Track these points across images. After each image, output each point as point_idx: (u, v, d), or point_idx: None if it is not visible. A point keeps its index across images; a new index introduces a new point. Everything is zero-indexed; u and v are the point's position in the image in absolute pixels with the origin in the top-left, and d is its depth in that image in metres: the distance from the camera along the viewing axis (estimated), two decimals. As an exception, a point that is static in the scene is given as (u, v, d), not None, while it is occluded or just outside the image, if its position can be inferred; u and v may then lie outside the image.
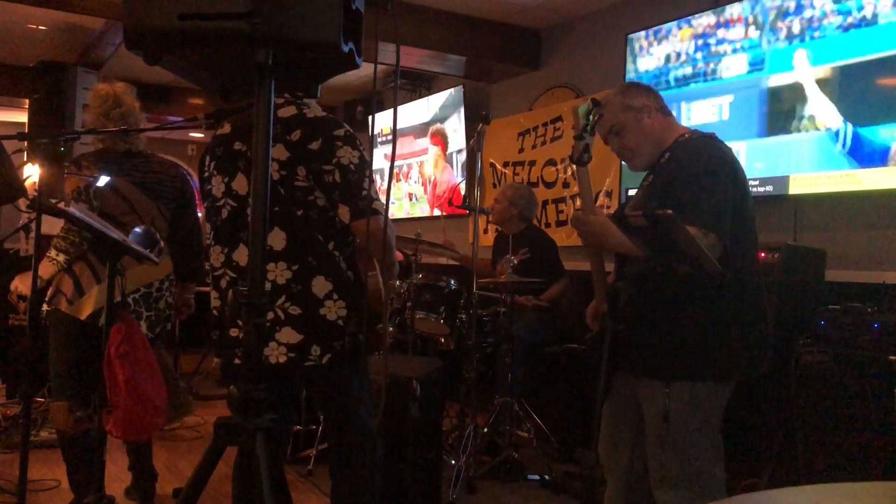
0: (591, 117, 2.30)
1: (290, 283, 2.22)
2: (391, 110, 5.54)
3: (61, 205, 2.85)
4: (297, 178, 2.21)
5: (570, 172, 5.45)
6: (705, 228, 2.11)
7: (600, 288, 2.49)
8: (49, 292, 3.03)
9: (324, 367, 2.23)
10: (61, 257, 3.00)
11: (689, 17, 4.37)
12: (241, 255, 2.27)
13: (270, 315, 2.19)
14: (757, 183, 3.97)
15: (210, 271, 2.37)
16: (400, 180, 7.32)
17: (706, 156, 2.28)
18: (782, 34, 3.88)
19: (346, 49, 1.38)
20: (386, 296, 2.31)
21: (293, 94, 2.30)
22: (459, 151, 6.46)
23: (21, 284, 3.18)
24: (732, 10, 4.13)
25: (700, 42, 4.31)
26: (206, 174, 2.39)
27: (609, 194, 5.07)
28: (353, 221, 2.24)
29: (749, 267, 2.29)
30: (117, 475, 3.35)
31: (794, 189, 3.80)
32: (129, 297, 3.04)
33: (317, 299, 2.24)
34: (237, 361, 2.22)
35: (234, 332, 2.24)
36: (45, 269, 3.03)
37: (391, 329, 4.13)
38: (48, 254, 3.06)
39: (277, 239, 2.21)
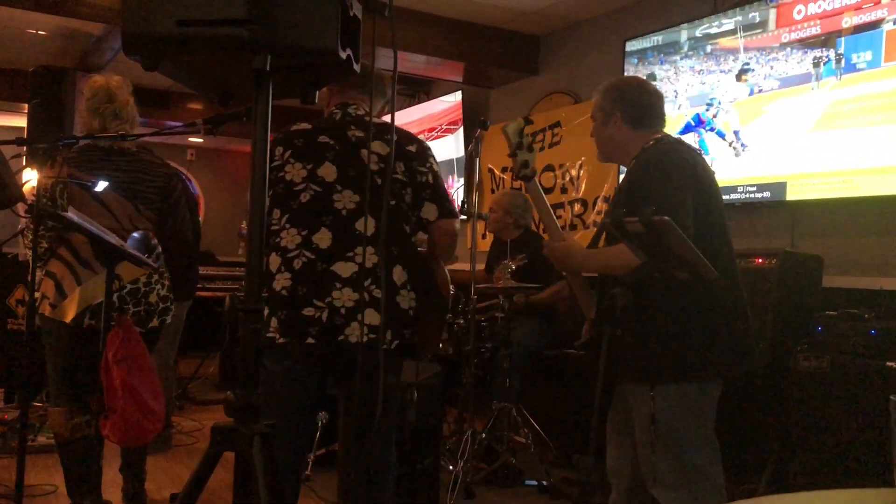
0: (522, 134, 2.50)
1: (376, 267, 2.34)
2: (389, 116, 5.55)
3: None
4: (395, 171, 2.41)
5: (567, 178, 5.46)
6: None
7: (585, 303, 2.55)
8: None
9: (392, 352, 2.36)
10: (29, 252, 2.96)
11: (689, 22, 4.39)
12: (322, 239, 2.34)
13: (356, 296, 2.30)
14: (754, 189, 3.98)
15: (280, 253, 2.38)
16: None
17: (662, 159, 2.39)
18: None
19: (343, 55, 1.39)
20: (449, 295, 2.55)
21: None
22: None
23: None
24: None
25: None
26: (278, 162, 2.42)
27: (607, 199, 5.07)
28: (438, 220, 2.47)
29: (723, 266, 2.30)
30: (115, 480, 3.34)
31: (792, 195, 3.80)
32: (115, 294, 2.99)
33: (395, 286, 2.38)
34: (310, 341, 2.28)
35: (307, 312, 2.29)
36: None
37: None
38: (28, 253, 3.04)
39: (369, 225, 2.35)
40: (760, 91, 4.02)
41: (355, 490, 2.47)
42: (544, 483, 3.93)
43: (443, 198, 2.50)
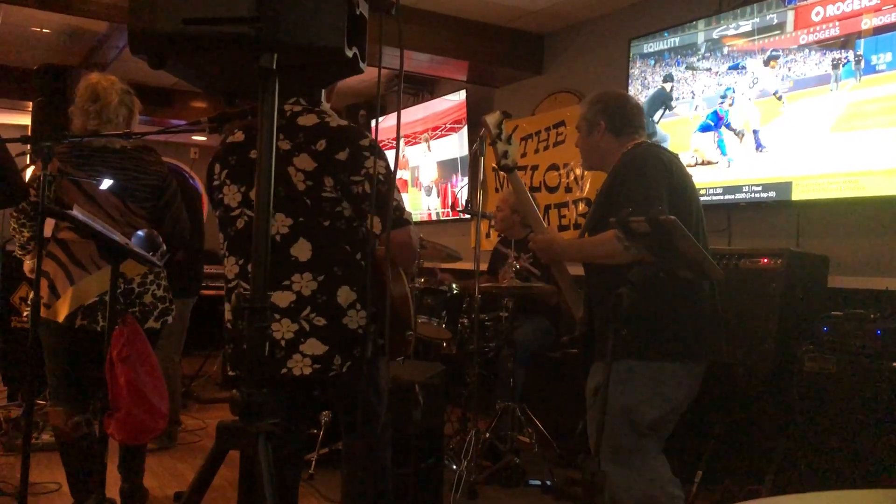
0: (501, 126, 2.62)
1: (316, 294, 2.21)
2: (394, 114, 5.54)
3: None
4: (324, 188, 2.21)
5: (572, 177, 5.45)
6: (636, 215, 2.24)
7: (572, 300, 2.71)
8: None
9: (344, 374, 2.24)
10: (18, 249, 2.98)
11: (692, 21, 4.38)
12: None
13: (296, 327, 2.19)
14: (759, 189, 3.97)
15: (225, 282, 2.33)
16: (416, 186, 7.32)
17: (636, 160, 2.52)
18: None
19: (350, 54, 1.39)
20: (413, 303, 2.38)
21: (312, 100, 2.29)
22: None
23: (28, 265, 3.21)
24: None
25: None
26: (217, 182, 2.34)
27: (611, 199, 5.07)
28: (384, 233, 2.24)
29: None
30: (119, 478, 3.34)
31: (797, 195, 3.79)
32: (105, 295, 2.98)
33: (341, 309, 2.24)
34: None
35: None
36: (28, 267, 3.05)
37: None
38: (18, 251, 3.06)
39: (303, 250, 2.21)
40: (777, 93, 4.01)
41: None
42: (548, 483, 3.92)
43: (390, 206, 2.21)
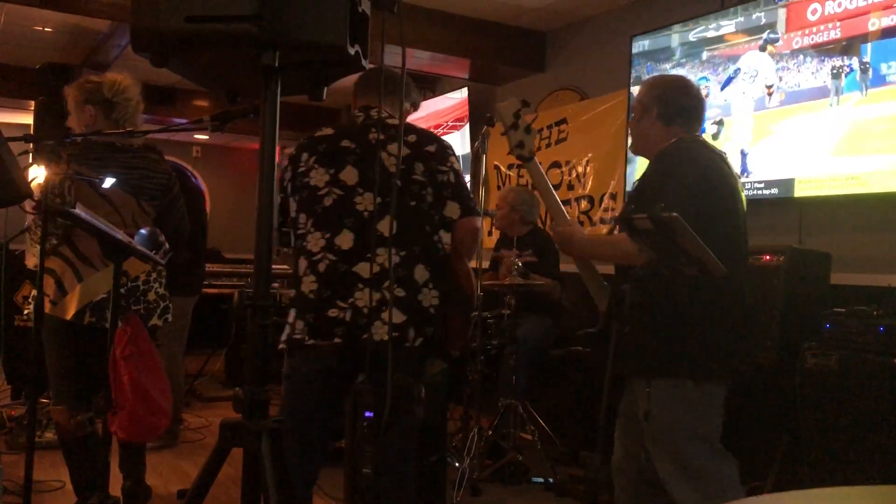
0: (519, 115, 2.55)
1: (398, 268, 2.40)
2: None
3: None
4: (414, 173, 2.47)
5: (574, 175, 5.45)
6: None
7: (595, 293, 2.61)
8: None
9: (415, 349, 2.40)
10: (34, 249, 2.96)
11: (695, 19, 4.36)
12: (344, 240, 2.40)
13: (378, 296, 2.36)
14: (762, 185, 3.96)
15: (307, 256, 2.45)
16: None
17: (674, 159, 2.42)
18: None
19: (352, 51, 1.39)
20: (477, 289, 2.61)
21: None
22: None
23: (28, 260, 3.20)
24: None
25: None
26: (304, 168, 2.51)
27: (614, 196, 5.06)
28: (462, 218, 2.53)
29: (728, 269, 2.26)
30: (122, 476, 3.34)
31: (800, 192, 3.78)
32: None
33: (417, 285, 2.43)
34: (337, 341, 2.34)
35: (332, 313, 2.34)
36: (31, 261, 3.04)
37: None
38: (31, 248, 3.05)
39: (388, 226, 2.37)
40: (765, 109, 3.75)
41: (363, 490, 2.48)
42: (551, 480, 3.93)
43: (465, 196, 2.57)
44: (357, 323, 2.34)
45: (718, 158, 2.49)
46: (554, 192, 2.58)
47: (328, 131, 2.57)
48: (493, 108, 2.57)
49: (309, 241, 2.45)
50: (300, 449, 2.48)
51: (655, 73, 4.35)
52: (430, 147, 2.53)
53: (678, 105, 2.53)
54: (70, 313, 2.92)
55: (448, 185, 2.53)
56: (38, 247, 2.94)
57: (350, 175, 2.46)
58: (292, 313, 2.46)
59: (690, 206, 2.25)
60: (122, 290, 2.99)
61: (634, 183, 2.67)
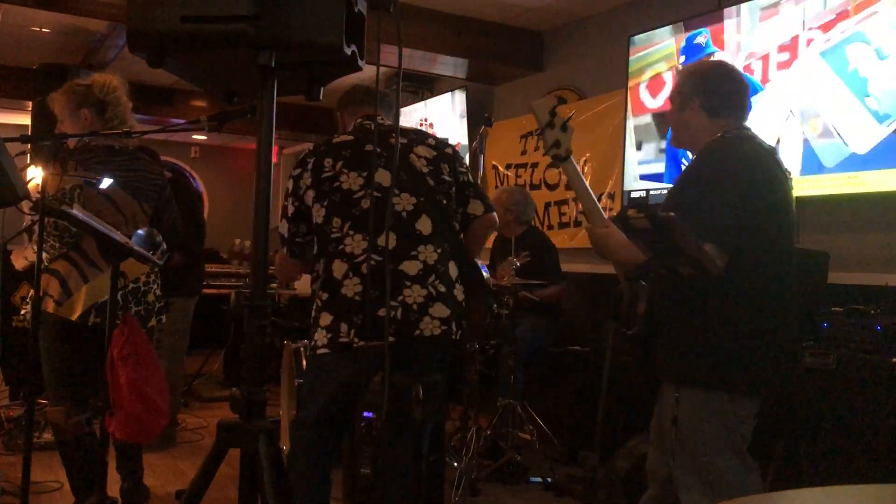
0: (555, 112, 2.36)
1: (437, 264, 2.50)
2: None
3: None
4: (442, 172, 2.61)
5: (572, 174, 5.44)
6: (699, 239, 2.05)
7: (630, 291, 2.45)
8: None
9: (457, 342, 2.52)
10: (44, 256, 2.95)
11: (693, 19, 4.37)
12: (390, 241, 2.46)
13: (425, 292, 2.45)
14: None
15: (346, 259, 2.48)
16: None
17: (712, 163, 2.25)
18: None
19: (348, 51, 1.39)
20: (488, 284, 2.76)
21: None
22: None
23: (16, 260, 3.19)
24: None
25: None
26: (331, 173, 2.54)
27: (612, 196, 5.06)
28: (485, 214, 2.69)
29: (768, 279, 2.20)
30: (116, 478, 3.34)
31: (797, 191, 3.77)
32: (118, 293, 3.00)
33: (452, 281, 2.54)
34: (392, 339, 2.36)
35: (382, 313, 2.36)
36: (19, 261, 3.04)
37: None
38: (27, 251, 3.04)
39: (426, 224, 2.52)
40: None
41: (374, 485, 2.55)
42: (549, 480, 3.93)
43: (484, 194, 2.75)
44: (408, 319, 2.42)
45: (766, 154, 2.29)
46: (591, 192, 2.39)
47: (347, 137, 2.64)
48: (529, 106, 2.43)
49: (347, 243, 2.49)
50: (327, 448, 2.55)
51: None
52: (448, 149, 2.69)
53: (722, 92, 2.35)
54: (76, 313, 2.93)
55: (469, 184, 2.69)
56: (45, 254, 2.94)
57: (384, 177, 2.53)
58: (327, 317, 2.47)
59: (726, 220, 2.13)
60: (126, 292, 3.03)
61: (676, 178, 2.50)
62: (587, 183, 2.41)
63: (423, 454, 2.55)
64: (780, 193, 2.26)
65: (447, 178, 2.62)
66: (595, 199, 2.40)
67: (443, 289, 2.49)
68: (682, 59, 4.20)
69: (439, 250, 2.52)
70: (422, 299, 2.44)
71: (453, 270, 2.57)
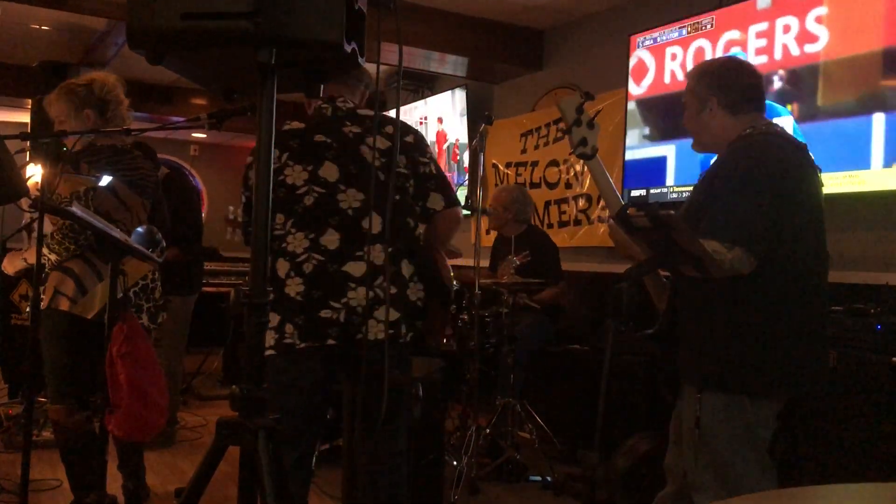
0: (581, 110, 2.28)
1: (386, 264, 2.34)
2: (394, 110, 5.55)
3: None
4: (397, 165, 2.41)
5: (572, 173, 5.45)
6: (728, 242, 2.03)
7: (655, 293, 2.41)
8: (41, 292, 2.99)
9: (407, 344, 2.39)
10: (53, 256, 2.96)
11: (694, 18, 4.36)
12: (330, 240, 2.35)
13: (371, 294, 2.31)
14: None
15: (288, 258, 2.38)
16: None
17: (744, 163, 2.18)
18: None
19: (348, 49, 1.38)
20: (451, 279, 2.62)
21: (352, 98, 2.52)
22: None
23: (9, 264, 3.19)
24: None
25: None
26: (277, 165, 2.37)
27: (611, 195, 5.06)
28: (445, 209, 2.49)
29: (795, 282, 2.17)
30: (119, 475, 3.34)
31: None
32: (131, 291, 3.02)
33: (405, 280, 2.41)
34: (331, 342, 2.31)
35: (325, 314, 2.31)
36: (15, 264, 3.05)
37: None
38: (29, 252, 3.03)
39: (375, 222, 2.33)
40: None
41: (363, 484, 2.49)
42: (549, 479, 3.93)
43: (447, 187, 2.52)
44: (351, 322, 2.31)
45: (798, 152, 2.24)
46: (616, 191, 2.33)
47: (297, 125, 2.46)
48: (557, 105, 2.36)
49: (289, 241, 2.38)
50: (291, 453, 2.42)
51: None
52: (408, 138, 2.48)
53: (740, 87, 2.28)
54: (93, 312, 2.92)
55: (431, 176, 2.48)
56: (54, 255, 2.95)
57: (330, 171, 2.39)
58: (274, 317, 2.37)
59: (758, 224, 2.09)
60: (136, 289, 3.06)
61: (701, 174, 2.44)
62: (612, 181, 2.35)
63: (402, 451, 2.49)
64: (813, 193, 2.23)
65: (403, 170, 2.44)
66: (620, 197, 2.33)
67: (393, 290, 2.36)
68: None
69: (390, 249, 2.37)
70: (367, 302, 2.32)
71: (407, 269, 2.43)
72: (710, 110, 2.30)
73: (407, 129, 2.55)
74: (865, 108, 3.49)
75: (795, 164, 2.19)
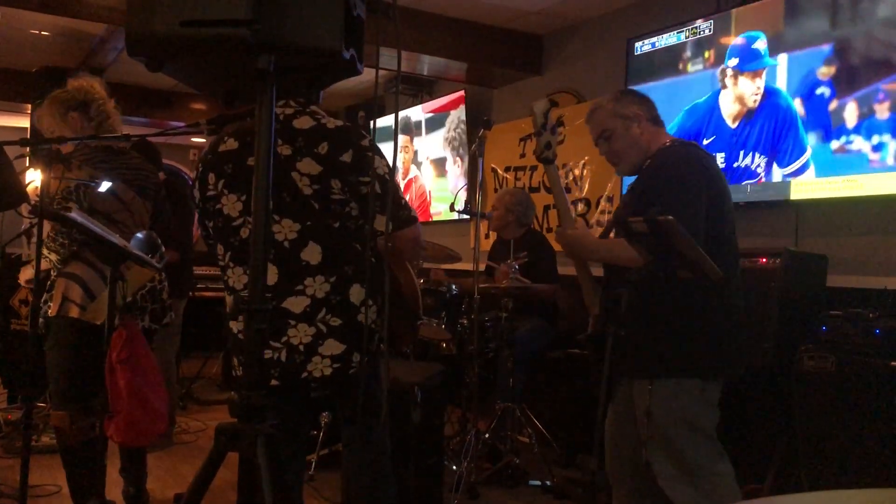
0: (548, 116, 2.48)
1: (330, 296, 2.19)
2: (392, 115, 5.54)
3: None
4: (332, 191, 2.17)
5: (571, 178, 5.45)
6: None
7: (589, 298, 2.60)
8: (48, 298, 2.99)
9: (362, 370, 2.23)
10: (53, 256, 2.95)
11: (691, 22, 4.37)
12: (269, 275, 2.14)
13: (313, 330, 2.17)
14: (759, 188, 3.97)
15: (230, 293, 2.28)
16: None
17: (678, 163, 2.42)
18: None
19: (347, 55, 1.39)
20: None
21: (298, 101, 2.26)
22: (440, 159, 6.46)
23: (24, 276, 3.19)
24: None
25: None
26: (213, 192, 2.26)
27: (610, 199, 5.07)
28: (395, 231, 2.24)
29: (728, 270, 2.36)
30: (118, 480, 3.34)
31: (795, 194, 3.79)
32: (138, 294, 3.02)
33: (354, 307, 2.22)
34: (274, 383, 2.17)
35: (266, 354, 2.15)
36: (27, 275, 3.04)
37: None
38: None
39: (313, 253, 2.17)
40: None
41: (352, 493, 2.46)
42: (548, 483, 3.92)
43: (395, 207, 2.25)
44: (293, 361, 2.17)
45: (712, 160, 2.54)
46: (566, 196, 2.55)
47: (232, 145, 2.26)
48: (530, 107, 2.45)
49: (230, 276, 2.26)
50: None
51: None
52: (344, 156, 2.17)
53: (650, 103, 2.57)
54: (101, 318, 2.90)
55: (376, 196, 2.21)
56: (54, 254, 2.95)
57: None
58: (235, 350, 2.32)
59: (700, 213, 2.30)
60: (144, 292, 3.07)
61: (630, 185, 2.65)
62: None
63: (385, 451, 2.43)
64: (726, 193, 2.48)
65: (338, 196, 2.17)
66: (569, 202, 2.60)
67: (337, 322, 2.18)
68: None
69: (332, 279, 2.18)
70: (309, 339, 2.16)
71: (357, 294, 2.22)
72: (638, 125, 2.52)
73: (344, 145, 2.19)
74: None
75: (715, 170, 2.48)
